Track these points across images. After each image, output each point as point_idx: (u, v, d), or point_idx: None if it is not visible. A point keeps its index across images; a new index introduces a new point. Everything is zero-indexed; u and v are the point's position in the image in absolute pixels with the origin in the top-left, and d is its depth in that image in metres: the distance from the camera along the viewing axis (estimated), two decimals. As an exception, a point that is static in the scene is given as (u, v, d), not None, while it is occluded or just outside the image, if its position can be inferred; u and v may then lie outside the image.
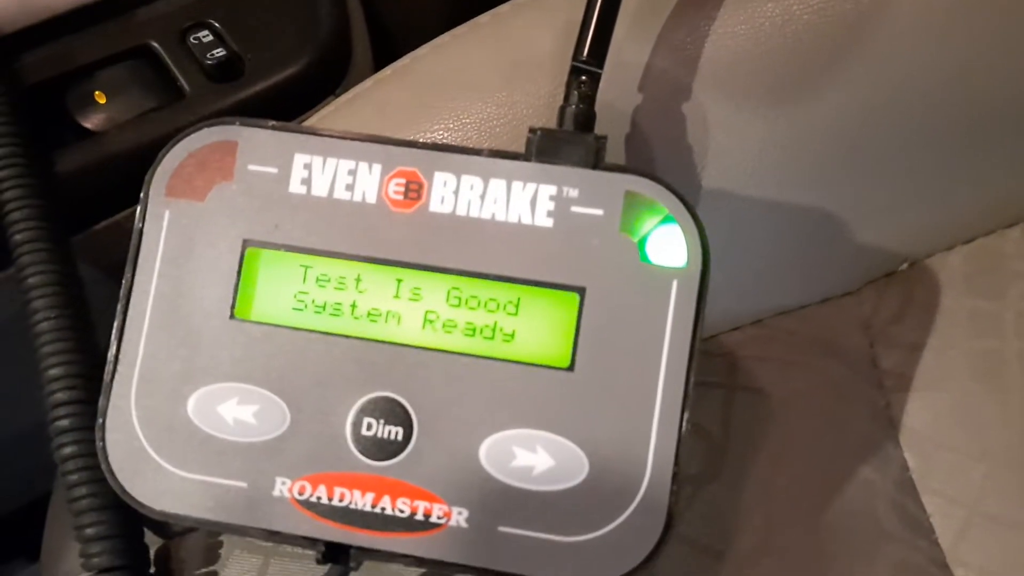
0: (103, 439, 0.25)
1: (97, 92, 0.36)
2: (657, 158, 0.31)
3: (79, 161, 0.34)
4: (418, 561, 0.25)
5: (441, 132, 0.30)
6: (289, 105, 0.38)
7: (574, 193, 0.25)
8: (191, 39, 0.38)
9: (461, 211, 0.25)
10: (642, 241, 0.25)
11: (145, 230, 0.26)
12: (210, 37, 0.38)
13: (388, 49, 0.42)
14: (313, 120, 0.33)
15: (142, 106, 0.36)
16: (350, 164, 0.26)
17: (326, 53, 0.40)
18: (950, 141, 0.33)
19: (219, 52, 0.37)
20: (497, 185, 0.25)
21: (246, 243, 0.26)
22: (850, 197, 0.33)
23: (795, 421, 0.30)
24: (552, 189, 0.25)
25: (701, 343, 0.25)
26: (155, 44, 0.37)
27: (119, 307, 0.26)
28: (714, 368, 0.31)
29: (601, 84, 0.28)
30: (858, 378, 0.32)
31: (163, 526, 0.30)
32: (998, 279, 0.34)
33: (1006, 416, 0.31)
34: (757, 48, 0.31)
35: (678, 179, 0.30)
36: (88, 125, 0.36)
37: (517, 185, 0.25)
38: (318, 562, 0.25)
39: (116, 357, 0.25)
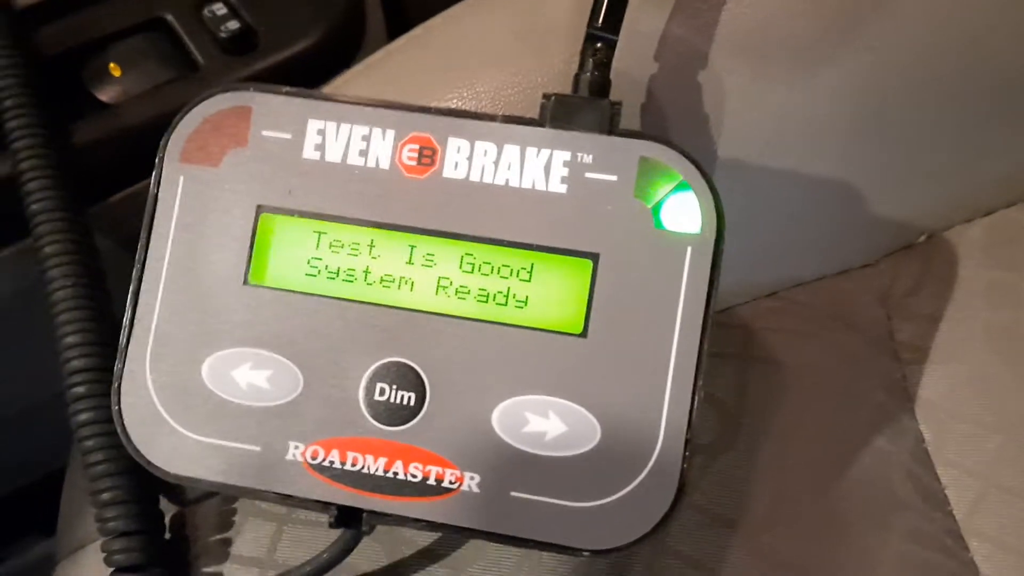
0: (118, 403, 0.25)
1: (112, 65, 0.36)
2: (673, 126, 0.31)
3: (94, 133, 0.34)
4: (430, 525, 0.25)
5: (455, 100, 0.30)
6: (303, 78, 0.38)
7: (588, 159, 0.25)
8: (205, 12, 0.38)
9: (475, 177, 0.25)
10: (656, 207, 0.25)
11: (160, 196, 0.26)
12: (224, 10, 0.38)
13: (403, 21, 0.42)
14: (327, 88, 0.33)
15: (156, 79, 0.36)
16: (364, 130, 0.26)
17: (340, 25, 0.39)
18: (974, 111, 0.33)
19: (233, 24, 0.37)
20: (511, 151, 0.25)
21: (260, 208, 0.26)
22: (870, 168, 0.33)
23: (810, 392, 0.30)
24: (566, 155, 0.25)
25: (716, 314, 0.25)
26: (170, 17, 0.37)
27: (134, 272, 0.26)
28: (729, 339, 0.31)
29: (616, 52, 0.27)
30: (874, 350, 0.32)
31: (178, 492, 0.30)
32: (1017, 251, 0.33)
33: (1022, 387, 0.31)
34: (776, 14, 0.31)
35: (694, 147, 0.29)
36: (103, 98, 0.36)
37: (531, 151, 0.25)
38: (330, 526, 0.25)
39: (131, 322, 0.26)
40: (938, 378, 0.31)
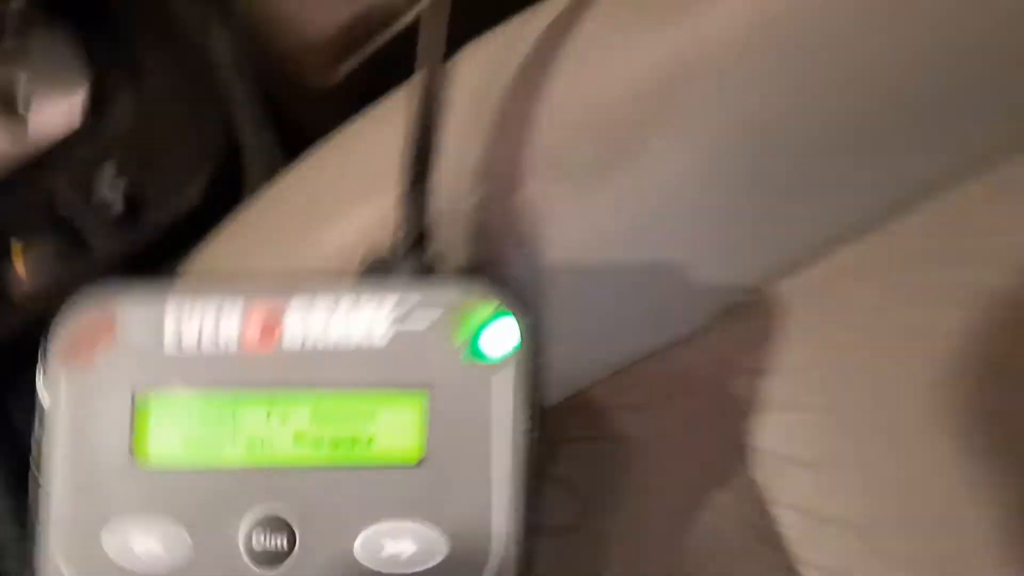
0: (38, 584, 0.29)
1: (16, 260, 0.40)
2: (500, 249, 0.35)
3: (6, 329, 0.39)
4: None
5: (304, 259, 0.34)
6: (191, 233, 0.42)
7: (410, 304, 0.29)
8: (93, 198, 0.42)
9: (313, 337, 0.29)
10: (475, 338, 0.29)
11: (47, 395, 0.30)
12: (107, 189, 0.42)
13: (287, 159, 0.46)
14: (196, 258, 0.37)
15: (56, 266, 0.40)
16: (213, 310, 0.30)
17: (218, 180, 0.44)
18: (786, 179, 0.37)
19: (119, 202, 0.41)
20: (342, 309, 0.29)
21: (134, 396, 0.30)
22: (692, 244, 0.37)
23: (655, 461, 0.34)
24: (391, 303, 0.29)
25: (567, 400, 0.29)
26: (62, 205, 0.42)
27: (33, 464, 0.30)
28: (578, 422, 0.35)
29: (440, 190, 0.31)
30: (713, 411, 0.36)
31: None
32: (839, 298, 0.37)
33: (849, 427, 0.34)
34: (581, 125, 0.35)
35: (522, 265, 0.34)
36: (11, 294, 0.40)
37: (361, 304, 0.29)
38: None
39: (38, 508, 0.30)
40: (771, 428, 0.35)
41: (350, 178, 0.36)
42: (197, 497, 0.29)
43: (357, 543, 0.29)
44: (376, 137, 0.36)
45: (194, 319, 0.30)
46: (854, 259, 0.38)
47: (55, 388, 0.30)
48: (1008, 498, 0.33)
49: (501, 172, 0.35)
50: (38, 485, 0.30)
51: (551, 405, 0.35)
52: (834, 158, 0.38)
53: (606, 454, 0.35)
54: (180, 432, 0.30)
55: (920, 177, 0.38)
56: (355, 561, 0.29)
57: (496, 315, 0.29)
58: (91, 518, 0.29)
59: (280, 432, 0.29)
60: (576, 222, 0.35)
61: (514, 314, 0.29)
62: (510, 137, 0.35)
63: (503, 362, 0.29)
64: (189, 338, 0.30)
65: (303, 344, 0.29)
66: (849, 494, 0.33)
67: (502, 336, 0.29)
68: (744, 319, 0.38)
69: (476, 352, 0.29)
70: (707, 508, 0.33)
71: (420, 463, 0.29)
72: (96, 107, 0.43)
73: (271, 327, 0.30)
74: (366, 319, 0.29)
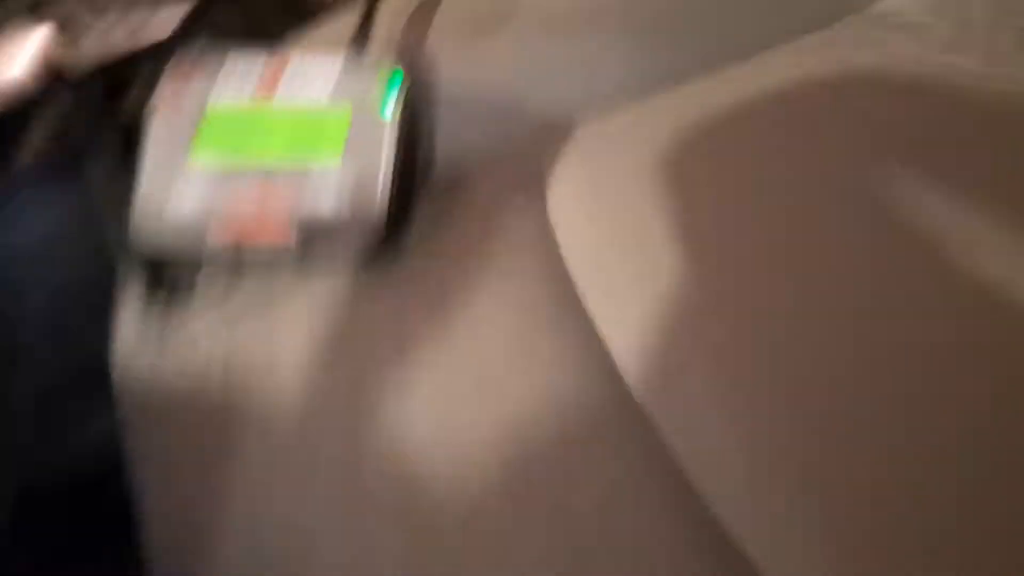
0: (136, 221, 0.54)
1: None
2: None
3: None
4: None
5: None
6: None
7: (355, 62, 0.55)
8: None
9: (302, 76, 0.55)
10: (388, 82, 0.54)
11: (151, 111, 0.55)
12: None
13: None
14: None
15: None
16: (248, 60, 0.56)
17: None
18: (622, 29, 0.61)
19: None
20: (322, 66, 0.55)
21: (200, 109, 0.55)
22: (535, 82, 0.62)
23: (492, 208, 0.58)
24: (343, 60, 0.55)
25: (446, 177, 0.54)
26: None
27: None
28: (448, 189, 0.60)
29: (377, 40, 0.58)
30: (531, 193, 0.59)
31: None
32: (617, 127, 0.61)
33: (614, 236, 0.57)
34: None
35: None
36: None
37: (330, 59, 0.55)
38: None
39: (139, 170, 0.54)
40: (567, 205, 0.58)
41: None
42: (224, 173, 0.54)
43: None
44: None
45: (239, 64, 0.55)
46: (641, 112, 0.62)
47: (157, 105, 0.55)
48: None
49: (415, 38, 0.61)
50: (143, 158, 0.55)
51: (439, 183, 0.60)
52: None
53: (460, 203, 0.59)
54: (219, 135, 0.55)
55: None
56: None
57: (397, 74, 0.54)
58: (162, 187, 0.54)
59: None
60: (460, 64, 0.61)
61: (412, 83, 0.54)
62: (420, 14, 0.61)
63: (403, 101, 0.54)
64: (236, 78, 0.55)
65: (296, 81, 0.55)
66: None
67: (398, 87, 0.54)
68: (557, 137, 0.61)
69: (386, 89, 0.54)
70: (513, 259, 0.56)
71: (343, 149, 0.53)
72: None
73: (279, 69, 0.55)
74: (329, 66, 0.55)
